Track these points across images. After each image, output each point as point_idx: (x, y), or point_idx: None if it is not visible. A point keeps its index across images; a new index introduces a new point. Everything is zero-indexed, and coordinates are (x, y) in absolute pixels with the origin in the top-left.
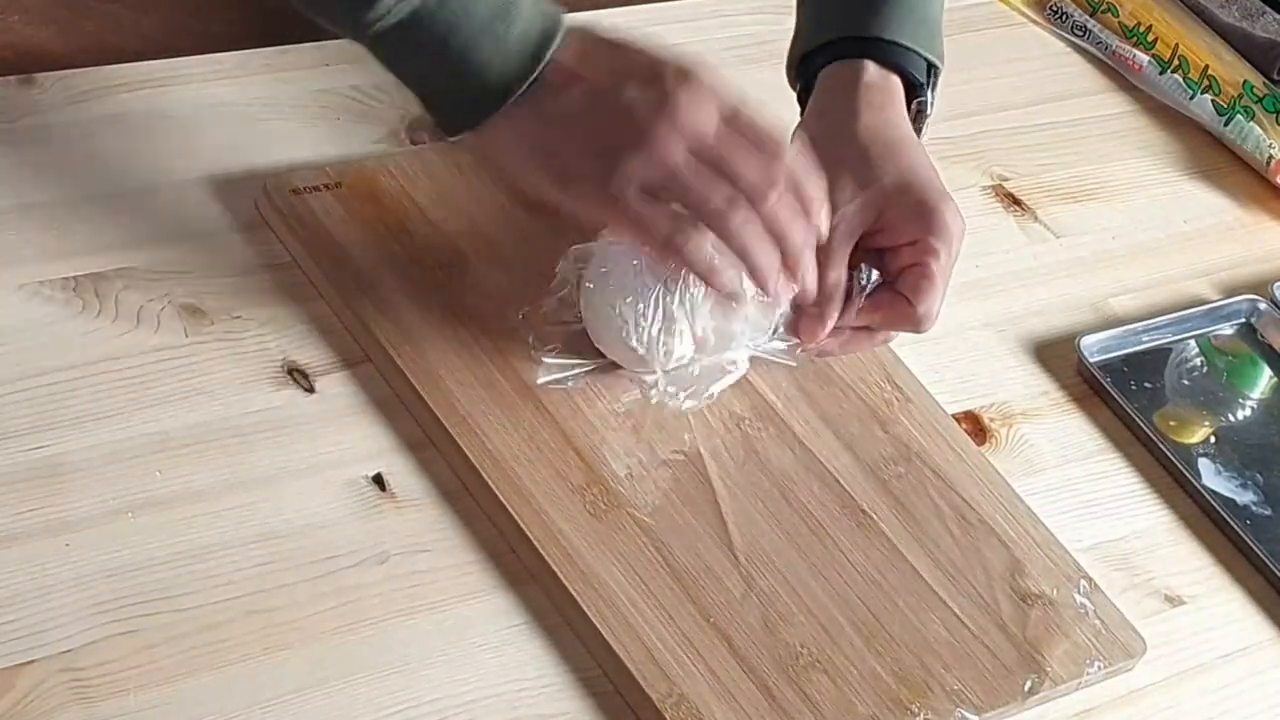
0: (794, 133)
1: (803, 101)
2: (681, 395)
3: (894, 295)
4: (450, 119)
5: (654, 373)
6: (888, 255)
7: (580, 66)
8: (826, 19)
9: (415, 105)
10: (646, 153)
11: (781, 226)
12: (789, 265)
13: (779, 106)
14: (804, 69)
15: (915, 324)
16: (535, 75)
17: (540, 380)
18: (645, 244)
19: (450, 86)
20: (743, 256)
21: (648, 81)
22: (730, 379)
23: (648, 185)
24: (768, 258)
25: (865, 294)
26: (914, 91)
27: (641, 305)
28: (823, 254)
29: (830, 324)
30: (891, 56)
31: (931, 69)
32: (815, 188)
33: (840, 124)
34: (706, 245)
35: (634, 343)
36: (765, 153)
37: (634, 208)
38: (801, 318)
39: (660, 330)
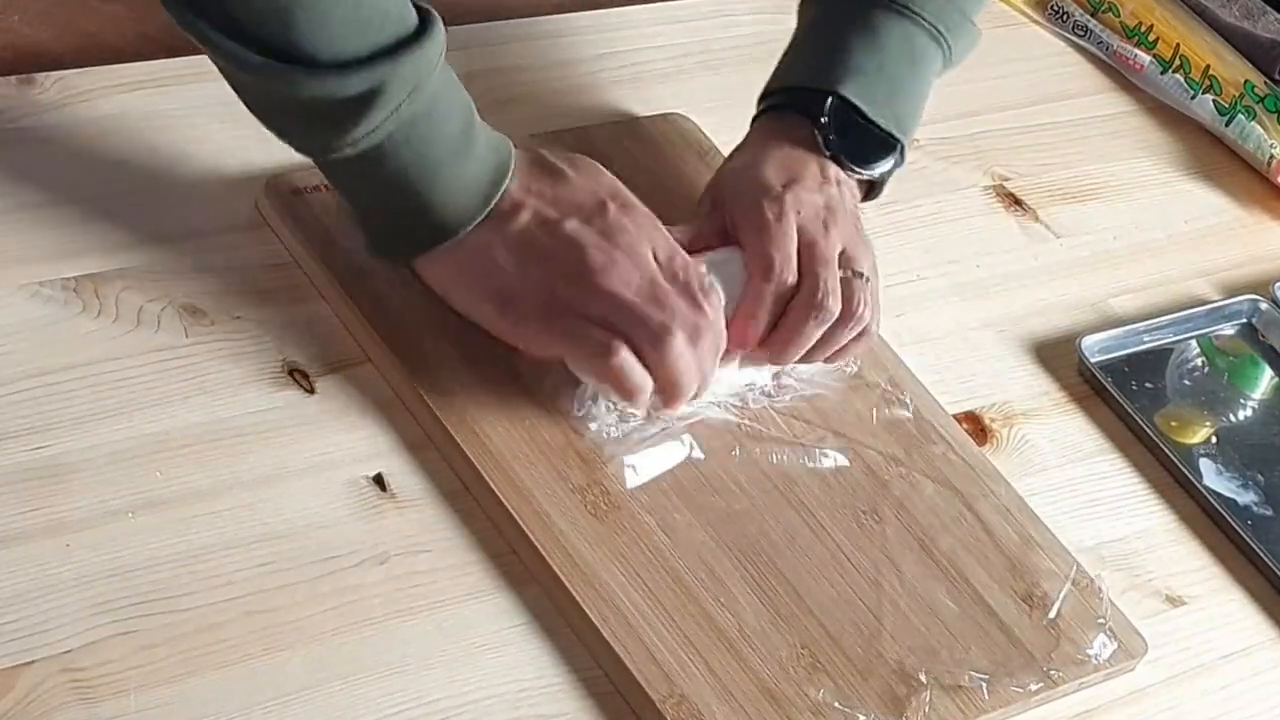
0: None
1: None
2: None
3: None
4: (391, 247)
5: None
6: None
7: (525, 195)
8: (782, 67)
9: None
10: (586, 285)
11: (692, 363)
12: (672, 393)
13: None
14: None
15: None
16: (486, 212)
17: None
18: (575, 358)
19: (401, 218)
20: (659, 376)
21: (591, 214)
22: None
23: (585, 316)
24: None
25: None
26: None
27: None
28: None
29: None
30: (797, 100)
31: (838, 103)
32: (722, 336)
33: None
34: (637, 366)
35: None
36: (693, 296)
37: (569, 330)
38: None
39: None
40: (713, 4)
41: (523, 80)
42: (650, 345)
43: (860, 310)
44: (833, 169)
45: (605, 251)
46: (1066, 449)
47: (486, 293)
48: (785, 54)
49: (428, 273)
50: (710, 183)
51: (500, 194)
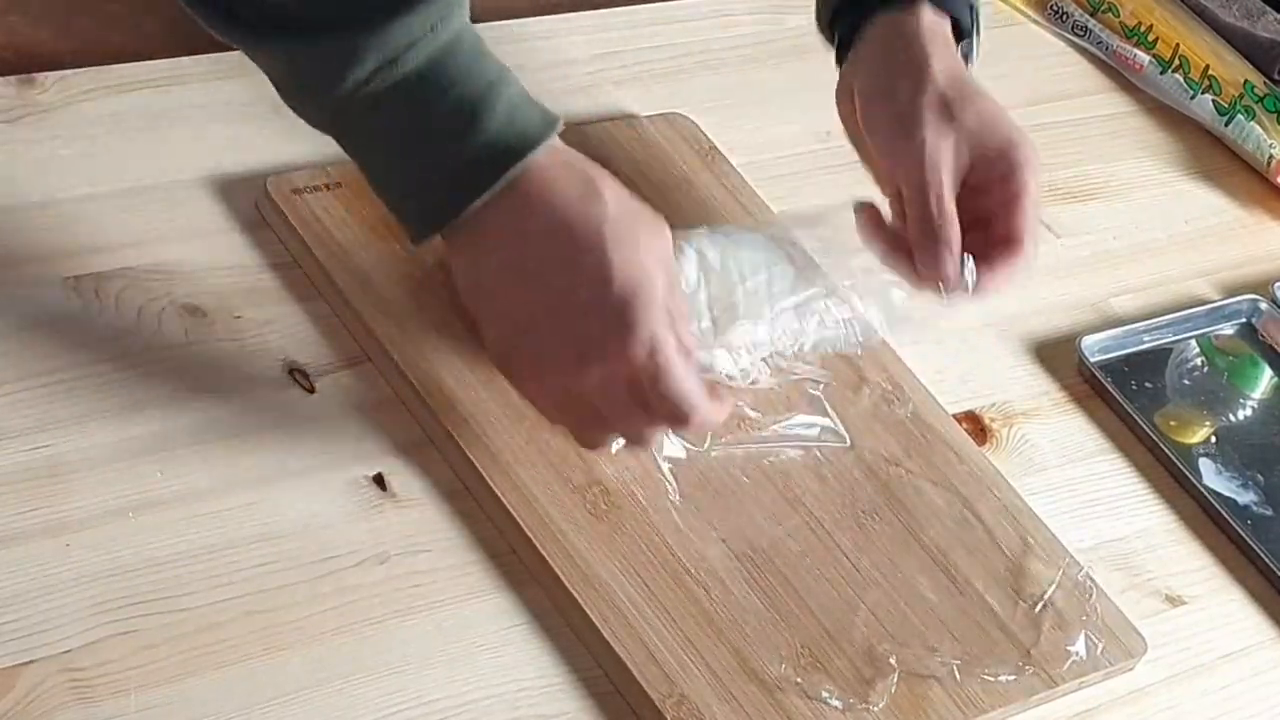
0: (839, 86)
1: (841, 53)
2: None
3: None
4: (422, 219)
5: None
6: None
7: (574, 199)
8: None
9: None
10: (601, 376)
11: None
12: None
13: (778, 107)
14: (841, 20)
15: (1019, 252)
16: (517, 170)
17: None
18: (555, 423)
19: (421, 179)
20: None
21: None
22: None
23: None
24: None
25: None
26: (960, 34)
27: None
28: (929, 196)
29: (954, 256)
30: (941, 2)
31: (973, 10)
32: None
33: (912, 72)
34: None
35: None
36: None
37: (557, 408)
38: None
39: None
40: (713, 4)
41: (523, 80)
42: (637, 444)
43: None
44: None
45: (625, 351)
46: (1066, 449)
47: (498, 316)
48: None
49: (454, 260)
50: (923, 102)
51: (532, 156)
